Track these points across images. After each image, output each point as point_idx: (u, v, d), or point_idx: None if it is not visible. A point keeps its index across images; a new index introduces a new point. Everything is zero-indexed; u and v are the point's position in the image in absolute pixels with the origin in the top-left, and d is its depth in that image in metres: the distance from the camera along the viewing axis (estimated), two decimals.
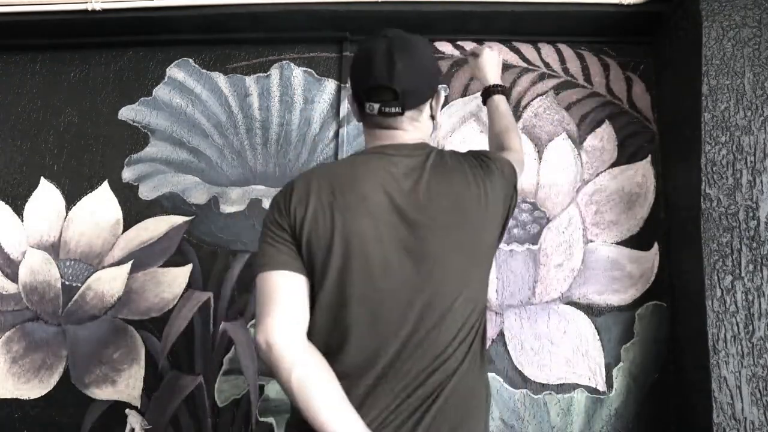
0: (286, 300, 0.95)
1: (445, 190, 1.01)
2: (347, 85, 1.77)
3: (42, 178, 1.80)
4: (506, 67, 1.77)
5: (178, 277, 1.70)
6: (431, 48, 1.07)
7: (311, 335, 0.96)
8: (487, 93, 1.40)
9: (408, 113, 1.05)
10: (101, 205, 1.76)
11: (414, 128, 1.08)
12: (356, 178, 1.01)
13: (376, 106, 1.02)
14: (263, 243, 0.99)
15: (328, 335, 0.97)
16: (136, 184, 1.77)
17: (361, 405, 0.92)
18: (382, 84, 1.01)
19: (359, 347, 0.95)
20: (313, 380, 0.90)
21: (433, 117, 1.13)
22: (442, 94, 1.15)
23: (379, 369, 0.94)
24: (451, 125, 1.74)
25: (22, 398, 1.68)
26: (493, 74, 1.42)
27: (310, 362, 0.92)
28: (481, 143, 1.72)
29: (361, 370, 0.95)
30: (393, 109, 1.03)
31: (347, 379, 0.93)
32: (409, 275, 0.96)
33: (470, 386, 0.99)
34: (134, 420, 1.58)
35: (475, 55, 1.45)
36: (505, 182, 1.10)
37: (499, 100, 1.38)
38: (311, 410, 0.89)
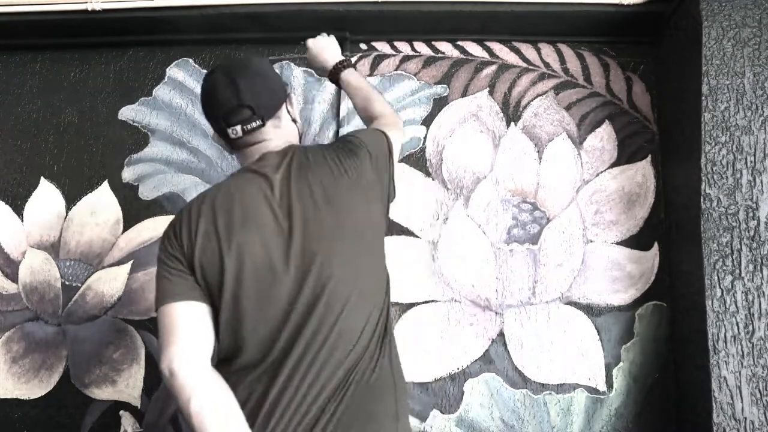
0: (186, 329, 0.97)
1: (309, 189, 1.04)
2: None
3: (42, 178, 1.80)
4: (506, 67, 1.77)
5: None
6: (264, 59, 1.16)
7: (221, 354, 1.01)
8: (334, 73, 1.41)
9: (269, 123, 1.11)
10: (101, 205, 1.76)
11: (278, 135, 1.13)
12: (235, 197, 1.04)
13: (239, 128, 1.08)
14: (159, 277, 1.02)
15: (228, 351, 1.00)
16: (136, 184, 1.77)
17: (270, 410, 0.94)
18: (234, 105, 1.07)
19: (257, 361, 0.98)
20: (208, 409, 0.91)
21: (294, 120, 1.18)
22: (294, 97, 1.20)
23: (285, 374, 0.96)
24: (450, 125, 1.74)
25: (22, 398, 1.68)
26: (330, 55, 1.43)
27: (209, 391, 0.93)
28: (481, 143, 1.72)
29: (268, 379, 0.97)
30: (254, 124, 1.08)
31: (251, 384, 0.97)
32: (300, 281, 0.98)
33: (377, 375, 1.01)
34: (127, 422, 1.58)
35: (308, 48, 1.48)
36: (374, 156, 1.13)
37: (347, 74, 1.40)
38: None
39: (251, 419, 0.94)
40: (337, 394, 0.97)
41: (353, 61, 1.43)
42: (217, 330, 1.00)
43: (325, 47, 1.45)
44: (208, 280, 1.00)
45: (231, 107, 1.07)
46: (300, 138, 1.23)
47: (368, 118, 1.36)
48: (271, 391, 0.96)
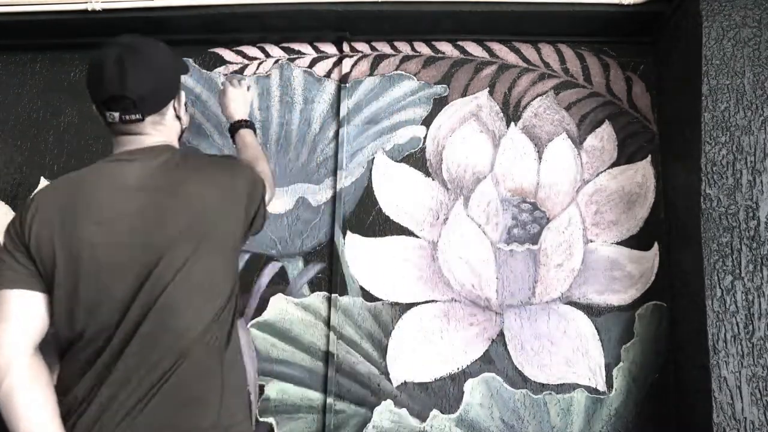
0: (12, 316, 0.98)
1: (179, 188, 1.04)
2: (347, 85, 1.77)
3: (42, 178, 1.80)
4: (506, 67, 1.77)
5: None
6: (166, 50, 1.12)
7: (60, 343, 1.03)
8: (234, 128, 1.46)
9: (149, 118, 1.08)
10: None
11: (158, 131, 1.11)
12: (86, 186, 1.04)
13: (116, 114, 1.05)
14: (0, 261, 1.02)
15: (64, 340, 1.03)
16: None
17: (101, 402, 0.98)
18: (116, 93, 1.03)
19: (87, 351, 1.00)
20: (19, 391, 0.94)
21: (178, 117, 1.17)
22: (183, 95, 1.18)
23: (108, 363, 0.99)
24: (450, 125, 1.74)
25: None
26: (238, 110, 1.47)
27: (24, 375, 0.96)
28: (481, 143, 1.72)
29: (95, 366, 0.99)
30: (133, 116, 1.05)
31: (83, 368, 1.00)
32: (138, 273, 0.99)
33: (203, 373, 1.02)
34: None
35: (223, 92, 1.50)
36: (248, 185, 1.14)
37: (245, 133, 1.44)
38: (11, 421, 0.93)
39: (79, 407, 0.98)
40: (153, 389, 0.98)
41: (253, 125, 1.48)
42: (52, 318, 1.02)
43: (241, 101, 1.49)
44: (46, 270, 1.00)
45: (113, 93, 1.03)
46: (181, 134, 1.22)
47: None
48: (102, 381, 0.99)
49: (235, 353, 1.12)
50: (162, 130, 1.13)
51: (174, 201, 1.03)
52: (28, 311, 1.00)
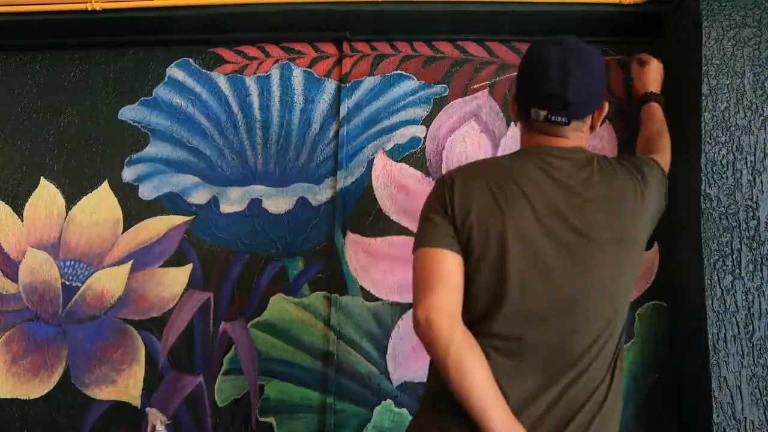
0: (449, 279, 0.98)
1: (607, 198, 1.03)
2: (347, 85, 1.77)
3: (42, 178, 1.80)
4: (506, 67, 1.77)
5: (178, 277, 1.70)
6: (602, 60, 1.12)
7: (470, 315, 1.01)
8: (645, 99, 1.50)
9: (573, 123, 1.07)
10: (101, 205, 1.76)
11: (576, 137, 1.10)
12: (514, 177, 1.04)
13: (543, 113, 1.05)
14: (425, 221, 1.03)
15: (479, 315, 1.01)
16: (136, 184, 1.77)
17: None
18: (554, 92, 1.03)
19: (511, 331, 0.99)
20: (468, 359, 0.94)
21: (593, 127, 1.15)
22: (606, 107, 1.15)
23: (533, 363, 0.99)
24: (450, 125, 1.74)
25: (22, 398, 1.68)
26: (653, 83, 1.52)
27: (468, 342, 0.96)
28: (481, 143, 1.72)
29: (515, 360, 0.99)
30: (559, 119, 1.05)
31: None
32: (563, 272, 0.99)
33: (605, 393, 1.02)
34: (154, 417, 1.57)
35: (641, 62, 1.55)
36: (658, 192, 1.13)
37: (655, 107, 1.47)
38: (462, 389, 0.93)
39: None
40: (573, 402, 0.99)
41: (662, 99, 1.50)
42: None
43: (657, 77, 1.54)
44: (473, 246, 0.99)
45: (550, 93, 1.03)
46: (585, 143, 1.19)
47: (648, 149, 1.38)
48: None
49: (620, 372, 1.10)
50: (580, 137, 1.11)
51: (598, 211, 1.03)
52: (460, 277, 1.00)
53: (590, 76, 1.05)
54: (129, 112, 1.83)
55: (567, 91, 1.01)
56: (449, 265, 0.99)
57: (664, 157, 1.31)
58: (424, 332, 0.95)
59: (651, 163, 1.17)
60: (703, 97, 1.42)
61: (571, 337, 0.99)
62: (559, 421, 0.97)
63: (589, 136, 1.16)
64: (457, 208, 1.01)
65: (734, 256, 1.37)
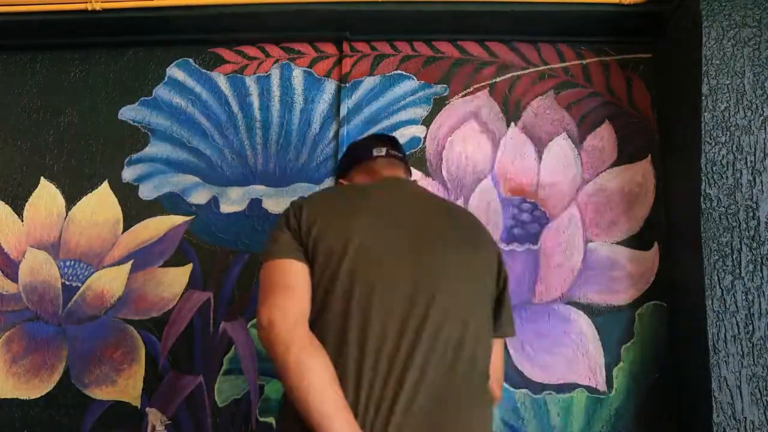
0: (293, 284, 0.99)
1: (463, 222, 1.18)
2: (347, 85, 1.77)
3: (42, 178, 1.80)
4: (506, 67, 1.77)
5: (178, 277, 1.70)
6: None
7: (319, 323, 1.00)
8: None
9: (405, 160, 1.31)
10: (101, 205, 1.76)
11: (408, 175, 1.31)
12: (360, 196, 1.13)
13: (384, 149, 1.26)
14: (272, 237, 1.05)
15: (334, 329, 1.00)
16: (136, 184, 1.77)
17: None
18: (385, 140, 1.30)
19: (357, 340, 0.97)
20: (307, 359, 0.92)
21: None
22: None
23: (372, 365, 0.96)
24: (450, 125, 1.74)
25: (22, 398, 1.68)
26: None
27: (309, 344, 0.94)
28: (481, 143, 1.72)
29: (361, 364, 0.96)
30: (397, 153, 1.28)
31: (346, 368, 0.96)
32: (414, 281, 1.01)
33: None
34: (154, 417, 1.57)
35: None
36: (501, 269, 1.17)
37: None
38: (300, 390, 0.90)
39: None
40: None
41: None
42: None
43: None
44: (318, 256, 1.01)
45: (383, 140, 1.31)
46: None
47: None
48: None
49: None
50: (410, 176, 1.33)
51: (450, 221, 1.15)
52: (305, 283, 1.00)
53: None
54: (129, 112, 1.83)
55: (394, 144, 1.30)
56: (294, 272, 1.00)
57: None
58: (266, 333, 0.94)
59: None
60: (703, 97, 1.42)
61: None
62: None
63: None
64: (303, 223, 1.03)
65: (734, 256, 1.37)
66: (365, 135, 1.36)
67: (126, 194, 1.76)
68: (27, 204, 1.79)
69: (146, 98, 1.83)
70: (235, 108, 1.80)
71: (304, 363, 0.90)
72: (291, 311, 0.95)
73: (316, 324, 0.98)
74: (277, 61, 1.82)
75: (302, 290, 0.99)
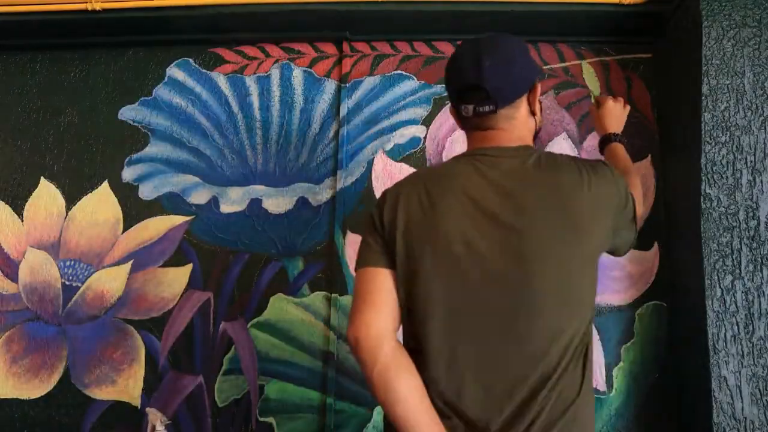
0: (382, 297, 0.98)
1: (546, 195, 0.99)
2: (347, 85, 1.77)
3: (42, 178, 1.80)
4: None
5: (178, 277, 1.70)
6: (523, 46, 1.10)
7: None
8: (606, 141, 1.44)
9: (502, 111, 1.04)
10: (101, 205, 1.76)
11: (512, 126, 1.07)
12: (446, 181, 1.02)
13: (470, 107, 1.03)
14: (361, 241, 1.04)
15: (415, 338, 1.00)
16: (136, 184, 1.77)
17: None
18: (470, 83, 1.02)
19: (440, 350, 0.96)
20: (396, 373, 0.93)
21: (533, 113, 1.11)
22: (539, 88, 1.11)
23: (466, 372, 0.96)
24: (450, 125, 1.74)
25: (22, 398, 1.68)
26: (613, 123, 1.46)
27: (397, 357, 0.94)
28: None
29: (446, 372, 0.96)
30: (486, 108, 1.02)
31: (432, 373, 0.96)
32: (504, 277, 0.96)
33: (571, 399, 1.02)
34: (154, 417, 1.57)
35: (598, 103, 1.49)
36: (609, 190, 1.04)
37: (615, 147, 1.41)
38: (389, 404, 0.92)
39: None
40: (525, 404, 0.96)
41: (625, 140, 1.44)
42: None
43: (615, 116, 1.47)
44: (405, 261, 0.98)
45: (468, 84, 1.02)
46: (536, 133, 1.15)
47: None
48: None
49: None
50: (516, 125, 1.07)
51: (541, 207, 0.98)
52: (392, 293, 0.99)
53: (507, 60, 1.03)
54: (129, 112, 1.83)
55: (483, 79, 1.00)
56: (379, 282, 0.99)
57: (634, 193, 1.22)
58: (354, 352, 0.96)
59: (605, 163, 1.11)
60: (703, 97, 1.42)
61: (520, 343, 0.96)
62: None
63: (530, 122, 1.11)
64: (386, 222, 1.01)
65: (734, 256, 1.37)
66: (450, 58, 1.09)
67: (126, 194, 1.76)
68: (27, 204, 1.79)
69: (146, 98, 1.83)
70: (235, 108, 1.80)
71: (389, 382, 0.92)
72: (374, 327, 0.95)
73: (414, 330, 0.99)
74: (277, 61, 1.82)
75: (385, 302, 0.98)
